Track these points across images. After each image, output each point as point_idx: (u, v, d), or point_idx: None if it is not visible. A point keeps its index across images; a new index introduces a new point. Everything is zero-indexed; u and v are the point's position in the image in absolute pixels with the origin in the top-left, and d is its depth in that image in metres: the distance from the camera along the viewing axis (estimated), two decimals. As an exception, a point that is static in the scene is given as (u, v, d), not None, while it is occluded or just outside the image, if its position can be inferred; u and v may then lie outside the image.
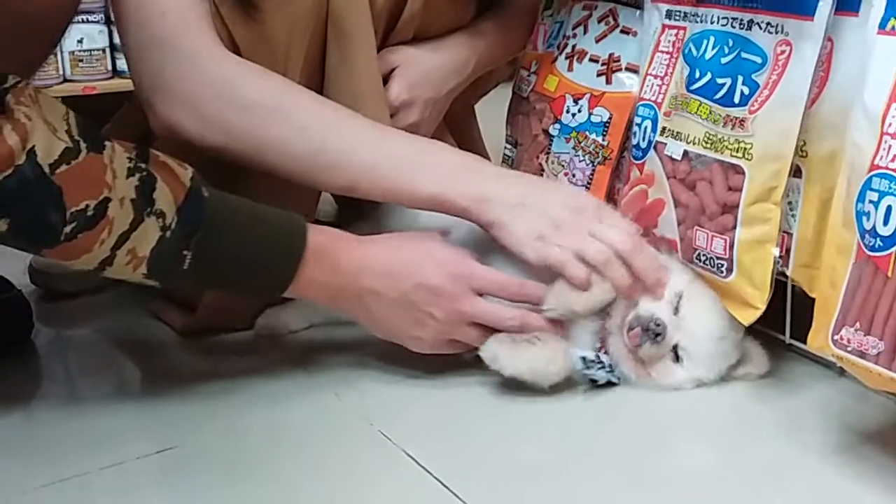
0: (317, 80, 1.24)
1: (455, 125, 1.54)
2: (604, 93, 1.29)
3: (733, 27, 1.10)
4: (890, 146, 0.87)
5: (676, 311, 1.09)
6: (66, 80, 2.55)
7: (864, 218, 0.88)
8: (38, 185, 0.90)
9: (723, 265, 1.08)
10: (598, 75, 1.30)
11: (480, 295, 1.10)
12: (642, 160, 1.19)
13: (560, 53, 1.36)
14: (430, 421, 1.08)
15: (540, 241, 1.09)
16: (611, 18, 1.32)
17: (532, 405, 1.08)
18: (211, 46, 1.13)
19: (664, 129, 1.16)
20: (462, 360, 1.13)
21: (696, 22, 1.15)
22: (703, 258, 1.10)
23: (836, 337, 0.90)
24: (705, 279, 1.12)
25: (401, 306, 1.09)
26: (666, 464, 0.99)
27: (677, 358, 1.09)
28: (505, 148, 1.46)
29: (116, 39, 2.39)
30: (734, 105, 1.08)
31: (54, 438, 1.05)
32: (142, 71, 1.14)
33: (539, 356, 1.07)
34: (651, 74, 1.21)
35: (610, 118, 1.27)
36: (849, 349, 0.89)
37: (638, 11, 1.28)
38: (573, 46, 1.35)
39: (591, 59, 1.31)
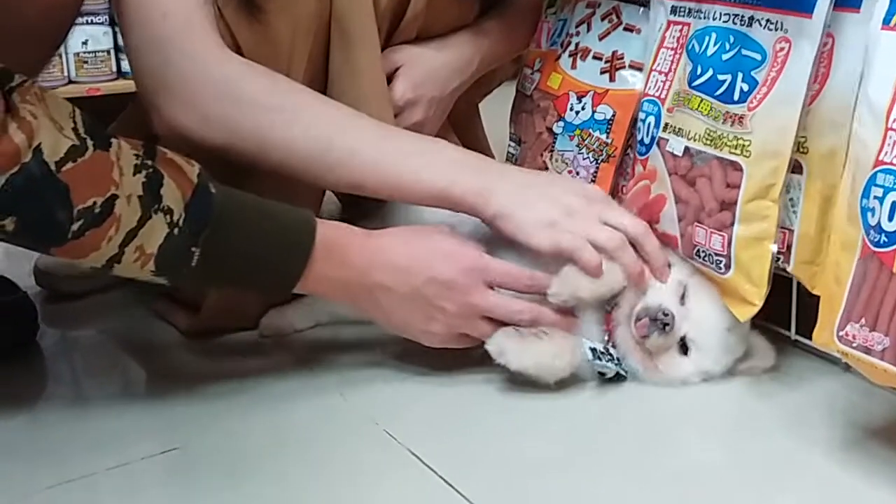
0: (320, 81, 1.24)
1: (459, 123, 1.54)
2: (607, 90, 1.29)
3: (734, 24, 1.09)
4: (894, 142, 0.87)
5: (683, 302, 1.09)
6: (70, 82, 2.56)
7: (869, 213, 0.88)
8: (44, 182, 0.90)
9: (721, 261, 1.08)
10: (602, 73, 1.30)
11: (492, 288, 1.10)
12: (646, 156, 1.19)
13: (563, 51, 1.36)
14: (435, 420, 1.08)
15: (551, 227, 1.10)
16: (614, 16, 1.31)
17: (537, 403, 1.08)
18: (214, 47, 1.13)
19: (667, 125, 1.16)
20: (468, 359, 1.13)
21: (700, 18, 1.15)
22: (702, 254, 1.10)
23: (841, 333, 0.90)
24: (704, 275, 1.11)
25: (412, 301, 1.09)
26: (672, 460, 0.99)
27: (685, 350, 1.09)
28: (509, 146, 1.46)
29: (121, 41, 2.39)
30: (734, 102, 1.07)
31: (59, 439, 1.05)
32: (144, 72, 1.14)
33: (545, 351, 1.07)
34: (656, 70, 1.21)
35: (613, 116, 1.27)
36: (854, 345, 0.89)
37: (641, 9, 1.28)
38: (577, 44, 1.35)
39: (594, 57, 1.31)
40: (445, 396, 1.11)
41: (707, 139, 1.10)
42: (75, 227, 0.93)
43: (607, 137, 1.27)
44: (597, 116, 1.29)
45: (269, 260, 1.06)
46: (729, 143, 1.07)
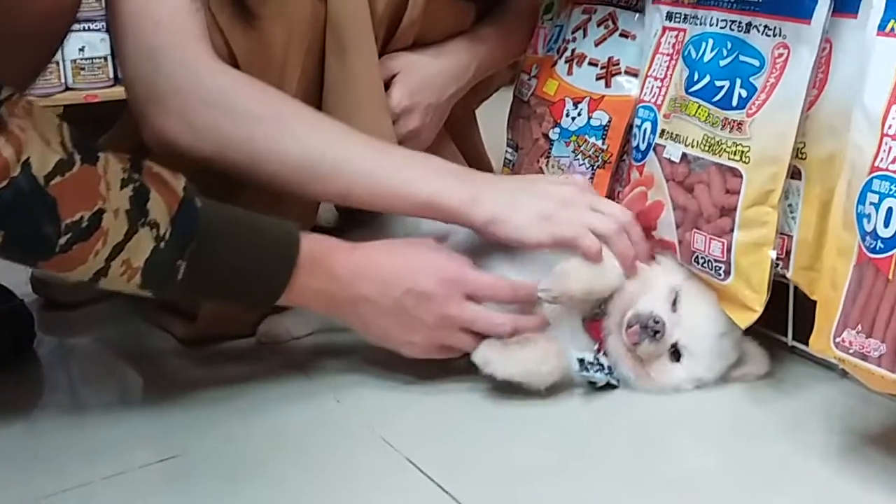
0: (315, 89, 1.24)
1: (456, 130, 1.54)
2: (603, 96, 1.29)
3: (732, 30, 1.10)
4: (890, 148, 0.87)
5: (675, 308, 1.09)
6: (67, 89, 2.56)
7: (865, 220, 0.88)
8: (32, 196, 0.90)
9: (720, 268, 1.08)
10: (598, 79, 1.30)
11: (474, 300, 1.10)
12: (642, 162, 1.19)
13: (560, 57, 1.36)
14: (430, 425, 1.08)
15: (546, 220, 1.11)
16: (610, 22, 1.32)
17: (531, 409, 1.08)
18: (205, 57, 1.13)
19: (663, 131, 1.16)
20: (461, 365, 1.12)
21: (696, 24, 1.15)
22: (701, 261, 1.10)
23: (837, 339, 0.90)
24: (700, 281, 1.11)
25: (393, 312, 1.09)
26: (666, 467, 0.99)
27: (677, 356, 1.09)
28: (506, 152, 1.46)
29: (117, 48, 2.39)
30: (732, 108, 1.07)
31: (56, 448, 1.05)
32: (136, 81, 1.14)
33: (530, 357, 1.08)
34: (651, 76, 1.21)
35: (609, 122, 1.27)
36: (850, 352, 0.89)
37: (637, 15, 1.28)
38: (573, 50, 1.35)
39: (590, 63, 1.31)
40: (440, 402, 1.11)
41: (705, 145, 1.10)
42: (63, 240, 0.93)
43: (603, 143, 1.27)
44: (593, 122, 1.29)
45: (254, 272, 1.06)
46: (728, 149, 1.07)
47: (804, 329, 0.99)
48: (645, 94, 1.22)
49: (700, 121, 1.11)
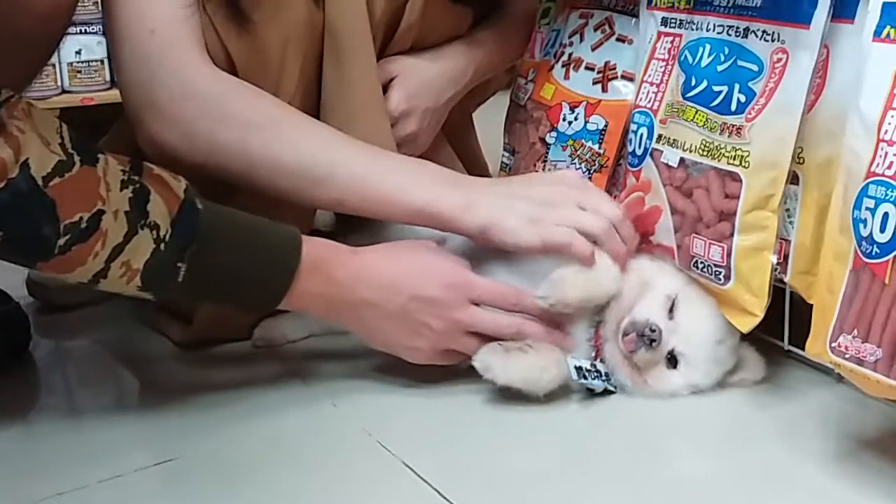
0: (313, 92, 1.24)
1: (453, 133, 1.54)
2: (600, 101, 1.29)
3: (729, 35, 1.10)
4: (886, 153, 0.87)
5: (672, 315, 1.09)
6: (64, 92, 2.55)
7: (861, 225, 0.88)
8: (31, 197, 0.90)
9: (720, 272, 1.08)
10: (594, 83, 1.30)
11: (477, 305, 1.10)
12: (638, 167, 1.19)
13: (556, 62, 1.37)
14: (427, 430, 1.08)
15: (536, 224, 1.10)
16: (607, 27, 1.32)
17: (529, 414, 1.08)
18: (200, 64, 1.13)
19: (660, 136, 1.16)
20: (460, 370, 1.12)
21: (692, 29, 1.15)
22: (700, 265, 1.10)
23: (833, 344, 0.90)
24: (703, 286, 1.11)
25: (398, 317, 1.09)
26: (663, 472, 0.99)
27: (674, 363, 1.09)
28: (503, 156, 1.47)
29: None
30: (731, 113, 1.08)
31: (52, 451, 1.05)
32: (131, 87, 1.14)
33: (532, 364, 1.08)
34: (647, 82, 1.21)
35: (606, 126, 1.27)
36: (847, 356, 0.89)
37: (634, 20, 1.28)
38: (569, 55, 1.35)
39: (587, 68, 1.32)
40: (437, 407, 1.11)
41: (703, 150, 1.10)
42: (62, 242, 0.93)
43: (600, 148, 1.27)
44: (589, 127, 1.29)
45: (254, 276, 1.06)
46: (727, 154, 1.07)
47: (800, 333, 0.99)
48: (640, 100, 1.22)
49: (698, 126, 1.11)
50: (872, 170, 0.88)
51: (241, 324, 1.27)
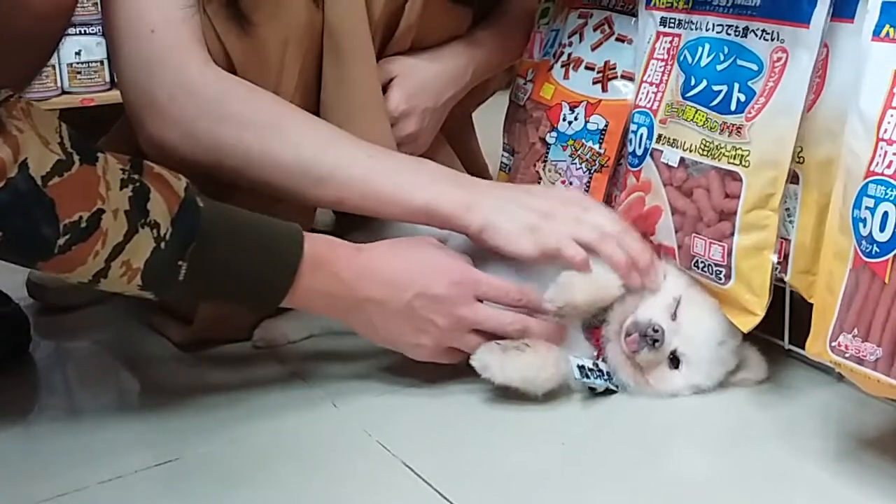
0: (313, 93, 1.24)
1: (453, 134, 1.54)
2: (600, 100, 1.29)
3: (728, 34, 1.10)
4: (885, 152, 0.87)
5: (674, 316, 1.09)
6: (64, 92, 2.55)
7: (861, 224, 0.88)
8: (30, 197, 0.90)
9: (721, 272, 1.08)
10: (594, 83, 1.30)
11: (481, 302, 1.10)
12: (639, 167, 1.19)
13: (556, 62, 1.37)
14: (427, 431, 1.08)
15: (533, 232, 1.11)
16: (606, 26, 1.32)
17: (529, 413, 1.08)
18: (200, 64, 1.13)
19: (660, 136, 1.16)
20: (460, 369, 1.12)
21: (691, 29, 1.15)
22: (701, 265, 1.10)
23: (833, 343, 0.90)
24: (704, 286, 1.11)
25: (403, 314, 1.09)
26: (663, 471, 0.99)
27: (676, 364, 1.09)
28: (502, 156, 1.46)
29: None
30: (731, 112, 1.08)
31: (53, 452, 1.05)
32: (131, 87, 1.14)
33: (530, 363, 1.08)
34: (646, 82, 1.21)
35: (606, 126, 1.27)
36: (847, 355, 0.89)
37: (633, 19, 1.28)
38: (569, 54, 1.35)
39: (586, 67, 1.32)
40: (437, 407, 1.11)
41: (703, 150, 1.10)
42: (62, 241, 0.93)
43: (600, 147, 1.27)
44: (589, 127, 1.29)
45: (256, 274, 1.06)
46: (727, 154, 1.07)
47: (801, 333, 0.99)
48: (640, 100, 1.22)
49: (698, 125, 1.11)
50: (872, 169, 0.88)
51: (242, 324, 1.27)
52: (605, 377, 1.10)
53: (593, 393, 1.10)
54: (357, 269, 1.10)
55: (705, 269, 1.10)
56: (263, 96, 1.15)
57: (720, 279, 1.08)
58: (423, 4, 1.30)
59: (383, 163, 1.15)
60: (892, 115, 0.87)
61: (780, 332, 1.16)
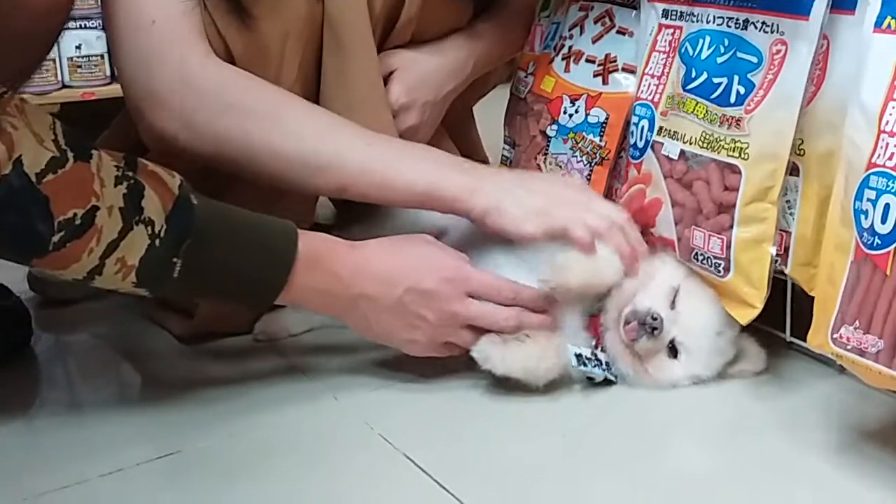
0: (313, 86, 1.24)
1: (453, 127, 1.54)
2: (600, 93, 1.29)
3: (729, 26, 1.10)
4: (887, 144, 0.87)
5: (673, 305, 1.09)
6: (64, 86, 2.56)
7: (863, 216, 0.88)
8: (24, 194, 0.90)
9: (720, 264, 1.08)
10: (595, 76, 1.30)
11: (475, 298, 1.10)
12: (640, 160, 1.19)
13: (557, 54, 1.36)
14: (428, 423, 1.08)
15: (541, 214, 1.11)
16: (607, 19, 1.32)
17: (529, 405, 1.08)
18: (200, 55, 1.13)
19: (661, 128, 1.16)
20: (461, 362, 1.12)
21: (692, 21, 1.15)
22: (700, 257, 1.10)
23: (835, 335, 0.90)
24: (703, 278, 1.11)
25: (394, 310, 1.09)
26: (665, 463, 0.99)
27: (674, 353, 1.09)
28: (503, 149, 1.46)
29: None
30: (730, 105, 1.07)
31: (54, 445, 1.05)
32: (131, 80, 1.14)
33: (530, 354, 1.08)
34: (648, 74, 1.21)
35: (607, 118, 1.27)
36: (848, 347, 0.89)
37: (634, 12, 1.28)
38: (570, 47, 1.35)
39: (587, 60, 1.31)
40: (438, 400, 1.11)
41: (703, 142, 1.10)
42: (56, 238, 0.93)
43: (601, 140, 1.27)
44: (590, 119, 1.29)
45: (251, 271, 1.06)
46: (726, 146, 1.07)
47: (802, 325, 0.99)
48: (642, 92, 1.22)
49: (698, 118, 1.11)
50: (874, 161, 0.88)
51: (242, 318, 1.27)
52: (604, 367, 1.10)
53: (592, 383, 1.10)
54: (351, 265, 1.10)
55: (704, 261, 1.10)
56: (263, 86, 1.15)
57: (719, 272, 1.08)
58: (424, -3, 1.30)
59: (384, 149, 1.15)
60: (893, 107, 0.87)
61: (781, 324, 1.17)
